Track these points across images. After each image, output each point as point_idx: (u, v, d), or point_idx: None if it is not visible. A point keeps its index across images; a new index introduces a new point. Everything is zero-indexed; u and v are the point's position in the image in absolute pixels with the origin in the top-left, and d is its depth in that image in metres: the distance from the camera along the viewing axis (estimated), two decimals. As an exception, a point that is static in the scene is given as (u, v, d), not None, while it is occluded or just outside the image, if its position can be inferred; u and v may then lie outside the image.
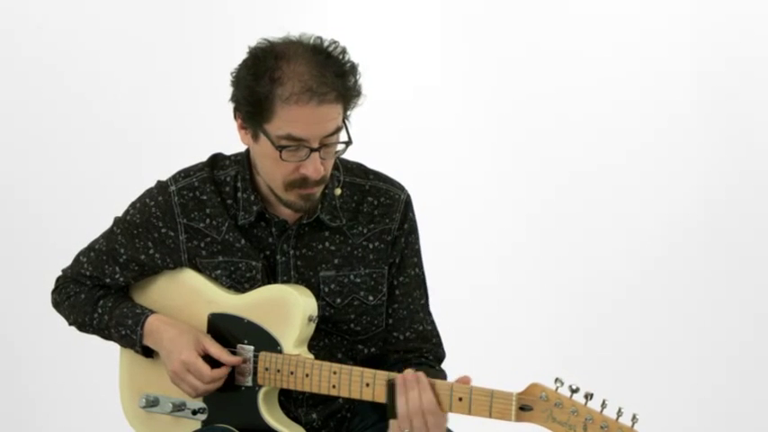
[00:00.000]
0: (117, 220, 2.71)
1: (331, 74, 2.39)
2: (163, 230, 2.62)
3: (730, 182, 4.45)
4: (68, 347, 4.05)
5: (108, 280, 2.70)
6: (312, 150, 2.41)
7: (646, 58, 4.44)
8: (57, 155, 4.38)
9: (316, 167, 2.42)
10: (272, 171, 2.48)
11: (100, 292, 2.72)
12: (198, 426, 2.61)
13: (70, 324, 2.79)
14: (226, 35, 4.29)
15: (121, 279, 2.70)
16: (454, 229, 4.37)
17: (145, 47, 4.39)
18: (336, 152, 2.47)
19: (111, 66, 4.39)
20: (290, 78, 2.37)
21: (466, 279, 4.34)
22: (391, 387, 2.39)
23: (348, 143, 2.47)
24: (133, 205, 2.68)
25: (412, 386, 2.36)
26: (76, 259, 2.77)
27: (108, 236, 2.72)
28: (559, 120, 4.48)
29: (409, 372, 2.38)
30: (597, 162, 4.46)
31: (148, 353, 2.65)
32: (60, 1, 4.38)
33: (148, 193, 2.66)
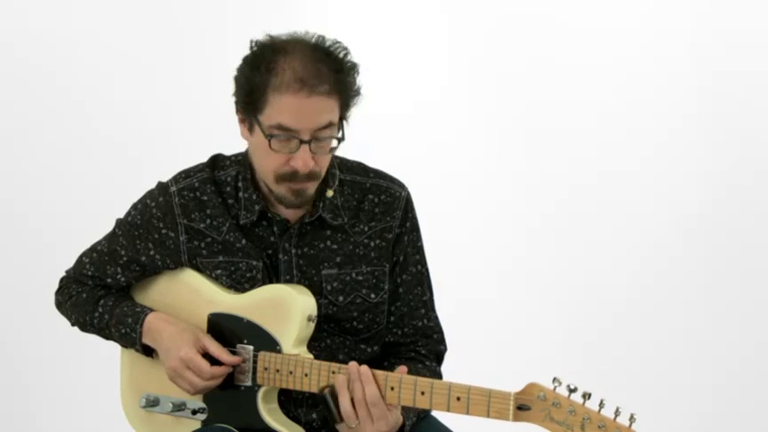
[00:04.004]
0: (119, 222, 2.72)
1: (327, 68, 2.41)
2: (163, 231, 2.62)
3: (733, 188, 4.46)
4: (68, 347, 4.06)
5: (109, 280, 2.71)
6: (302, 142, 2.41)
7: (648, 64, 4.45)
8: (56, 156, 4.39)
9: (305, 161, 2.42)
10: (264, 163, 2.49)
11: (101, 291, 2.72)
12: (198, 425, 2.61)
13: (72, 324, 2.79)
14: (225, 37, 4.30)
15: (123, 279, 2.70)
16: (456, 232, 4.38)
17: (143, 48, 4.40)
18: (331, 149, 2.48)
19: (110, 68, 4.40)
20: (284, 69, 2.39)
21: (466, 280, 4.33)
22: (324, 398, 2.43)
23: (340, 139, 2.47)
24: (134, 206, 2.69)
25: (354, 379, 2.40)
26: (79, 260, 2.78)
27: (110, 237, 2.73)
28: (561, 126, 4.48)
29: (353, 365, 2.41)
30: (600, 167, 4.47)
31: (148, 352, 2.65)
32: (59, 3, 4.39)
33: (149, 195, 2.66)
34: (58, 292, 2.82)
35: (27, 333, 4.33)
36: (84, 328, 2.76)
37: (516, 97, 4.47)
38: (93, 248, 2.76)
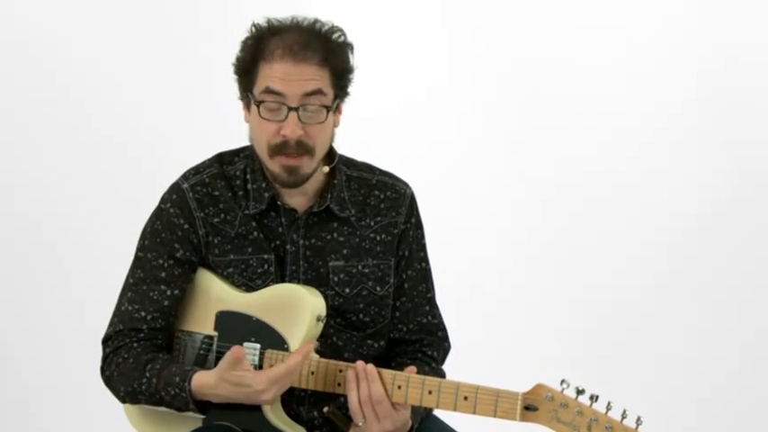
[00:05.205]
0: (138, 247, 2.66)
1: (317, 42, 2.48)
2: (185, 226, 2.60)
3: (731, 183, 4.47)
4: (68, 347, 4.06)
5: (166, 303, 2.59)
6: (290, 110, 2.45)
7: (647, 58, 4.46)
8: (56, 155, 4.38)
9: (293, 128, 2.45)
10: (258, 137, 2.53)
11: (147, 356, 2.55)
12: (199, 423, 2.60)
13: (123, 398, 2.61)
14: (225, 36, 4.28)
15: (176, 291, 2.60)
16: (458, 230, 4.38)
17: (143, 48, 4.40)
18: (321, 121, 2.49)
19: (111, 67, 4.40)
20: (275, 43, 2.47)
21: (466, 280, 4.35)
22: (329, 418, 2.49)
23: (328, 108, 2.49)
24: (150, 220, 2.66)
25: (361, 377, 2.43)
26: (120, 313, 2.62)
27: (135, 265, 2.64)
28: (560, 122, 4.49)
29: (360, 363, 2.44)
30: (599, 163, 4.48)
31: (204, 409, 2.53)
32: (60, 3, 4.40)
33: (161, 201, 2.65)
34: (103, 368, 2.63)
35: (27, 333, 4.32)
36: (135, 397, 2.57)
37: (516, 96, 4.48)
38: (123, 294, 2.64)
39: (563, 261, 4.50)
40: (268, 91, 2.47)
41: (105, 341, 2.63)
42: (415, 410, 2.51)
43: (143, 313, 2.59)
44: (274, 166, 2.52)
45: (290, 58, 2.45)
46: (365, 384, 2.42)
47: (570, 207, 4.49)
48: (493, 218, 4.50)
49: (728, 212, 4.48)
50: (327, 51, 2.48)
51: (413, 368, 2.44)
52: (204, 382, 2.46)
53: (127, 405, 2.71)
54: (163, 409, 2.59)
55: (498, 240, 4.51)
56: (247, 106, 2.54)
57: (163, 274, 2.59)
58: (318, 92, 2.47)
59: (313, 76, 2.46)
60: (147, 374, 2.52)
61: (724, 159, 4.48)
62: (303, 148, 2.49)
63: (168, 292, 2.59)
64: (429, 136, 4.46)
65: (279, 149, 2.49)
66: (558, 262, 4.50)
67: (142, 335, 2.58)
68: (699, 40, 4.46)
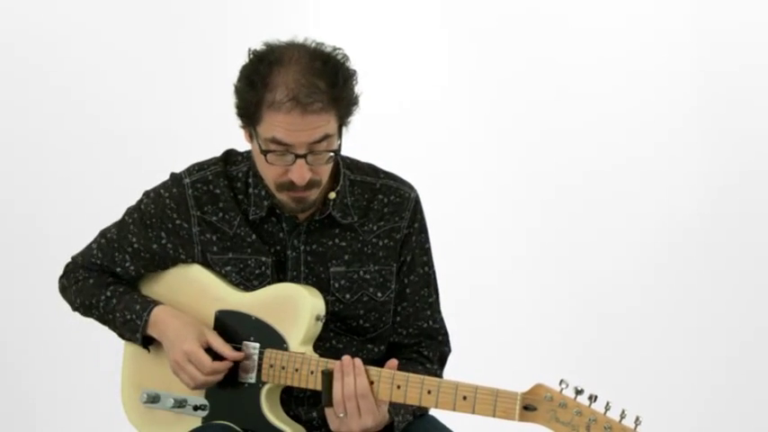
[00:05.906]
0: (130, 210, 2.72)
1: (323, 83, 2.40)
2: (177, 221, 2.63)
3: (731, 182, 4.47)
4: (68, 347, 4.06)
5: (118, 269, 2.71)
6: (298, 157, 2.42)
7: (648, 60, 4.46)
8: (56, 155, 4.39)
9: (301, 174, 2.43)
10: (263, 172, 2.51)
11: (110, 278, 2.72)
12: (198, 422, 2.61)
13: (74, 308, 2.78)
14: (225, 36, 4.32)
15: (132, 268, 2.70)
16: (458, 230, 4.39)
17: (143, 48, 4.40)
18: (328, 159, 2.47)
19: (110, 68, 4.40)
20: (278, 85, 2.39)
21: (473, 278, 4.36)
22: (327, 376, 2.43)
23: (336, 152, 2.47)
24: (147, 194, 2.69)
25: (348, 371, 2.41)
26: (88, 247, 2.77)
27: (119, 225, 2.73)
28: (560, 122, 4.49)
29: (346, 357, 2.43)
30: (599, 163, 4.48)
31: (146, 344, 2.65)
32: (59, 3, 4.40)
33: (163, 185, 2.67)
34: (63, 277, 2.81)
35: (27, 333, 4.31)
36: (88, 311, 2.74)
37: (516, 97, 4.48)
38: (102, 235, 2.75)
39: (563, 261, 4.50)
40: (275, 141, 2.42)
41: (73, 258, 2.81)
42: (400, 405, 2.49)
43: (98, 262, 2.74)
44: (282, 197, 2.51)
45: (297, 111, 2.37)
46: (351, 378, 2.41)
47: (570, 207, 4.50)
48: (493, 218, 4.50)
49: (728, 212, 4.49)
50: (334, 90, 2.41)
51: (394, 361, 2.44)
52: (163, 318, 2.60)
53: (126, 405, 2.74)
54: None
55: (498, 240, 4.51)
56: (250, 135, 2.50)
57: (130, 249, 2.69)
58: (325, 137, 2.42)
59: (318, 124, 2.40)
60: (108, 293, 2.69)
61: (724, 159, 4.48)
62: (311, 185, 2.48)
63: (126, 264, 2.71)
64: (429, 136, 4.46)
65: (286, 187, 2.48)
66: (558, 262, 4.51)
67: (98, 271, 2.75)
68: (699, 40, 4.46)
